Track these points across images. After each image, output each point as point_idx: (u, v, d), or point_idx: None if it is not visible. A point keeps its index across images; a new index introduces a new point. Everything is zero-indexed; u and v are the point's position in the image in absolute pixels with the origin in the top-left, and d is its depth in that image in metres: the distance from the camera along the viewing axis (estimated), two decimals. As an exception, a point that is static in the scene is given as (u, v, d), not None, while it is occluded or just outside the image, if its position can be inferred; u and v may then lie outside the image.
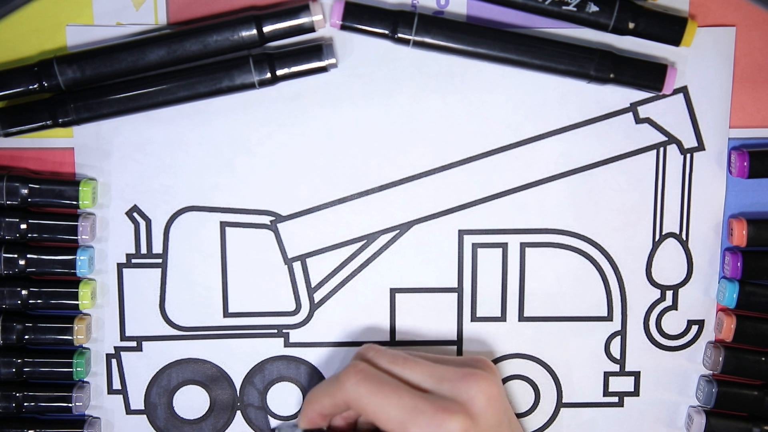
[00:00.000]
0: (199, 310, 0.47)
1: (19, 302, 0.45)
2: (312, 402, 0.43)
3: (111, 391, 0.48)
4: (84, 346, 0.47)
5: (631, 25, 0.43)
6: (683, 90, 0.46)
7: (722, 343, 0.48)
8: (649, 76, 0.44)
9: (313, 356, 0.48)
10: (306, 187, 0.46)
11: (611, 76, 0.44)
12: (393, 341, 0.48)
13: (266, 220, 0.47)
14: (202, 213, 0.46)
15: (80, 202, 0.45)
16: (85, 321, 0.46)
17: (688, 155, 0.47)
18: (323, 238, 0.47)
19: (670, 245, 0.47)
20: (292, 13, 0.43)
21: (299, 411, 0.48)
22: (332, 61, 0.44)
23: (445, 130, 0.46)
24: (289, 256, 0.47)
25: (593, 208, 0.47)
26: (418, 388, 0.42)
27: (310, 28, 0.43)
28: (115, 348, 0.47)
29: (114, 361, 0.47)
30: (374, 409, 0.41)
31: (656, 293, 0.48)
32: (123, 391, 0.48)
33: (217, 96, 0.44)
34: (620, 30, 0.44)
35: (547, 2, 0.43)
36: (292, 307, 0.47)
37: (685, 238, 0.47)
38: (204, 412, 0.48)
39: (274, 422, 0.48)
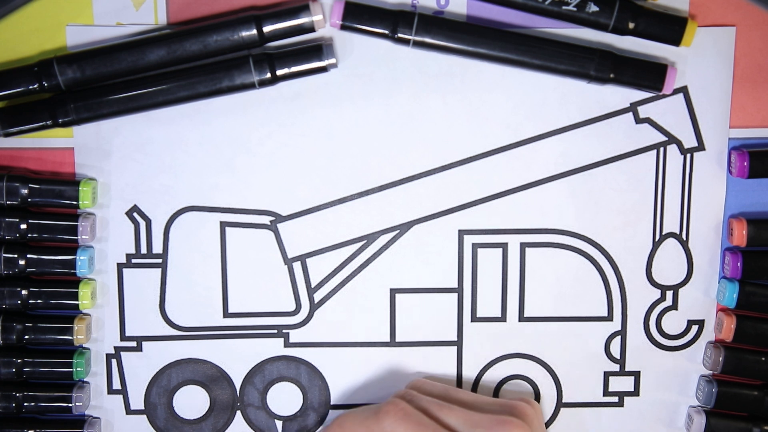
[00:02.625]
0: (199, 310, 0.47)
1: (19, 302, 0.45)
2: (344, 427, 0.44)
3: (111, 391, 0.48)
4: (84, 346, 0.47)
5: (631, 25, 0.43)
6: (683, 90, 0.46)
7: (722, 343, 0.48)
8: (649, 76, 0.44)
9: (313, 356, 0.48)
10: (306, 187, 0.46)
11: (611, 76, 0.44)
12: (393, 341, 0.48)
13: (266, 220, 0.47)
14: (202, 213, 0.46)
15: (80, 202, 0.45)
16: (85, 321, 0.46)
17: (688, 155, 0.47)
18: (323, 238, 0.47)
19: (670, 245, 0.47)
20: (292, 13, 0.43)
21: (299, 410, 0.48)
22: (332, 61, 0.44)
23: (445, 130, 0.46)
24: (289, 256, 0.47)
25: (593, 208, 0.47)
26: None
27: (310, 28, 0.43)
28: (115, 348, 0.47)
29: (114, 361, 0.47)
30: None
31: (656, 293, 0.48)
32: (123, 391, 0.48)
33: (217, 96, 0.44)
34: (620, 30, 0.44)
35: (547, 2, 0.43)
36: (292, 307, 0.47)
37: (685, 238, 0.47)
38: (204, 412, 0.48)
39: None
